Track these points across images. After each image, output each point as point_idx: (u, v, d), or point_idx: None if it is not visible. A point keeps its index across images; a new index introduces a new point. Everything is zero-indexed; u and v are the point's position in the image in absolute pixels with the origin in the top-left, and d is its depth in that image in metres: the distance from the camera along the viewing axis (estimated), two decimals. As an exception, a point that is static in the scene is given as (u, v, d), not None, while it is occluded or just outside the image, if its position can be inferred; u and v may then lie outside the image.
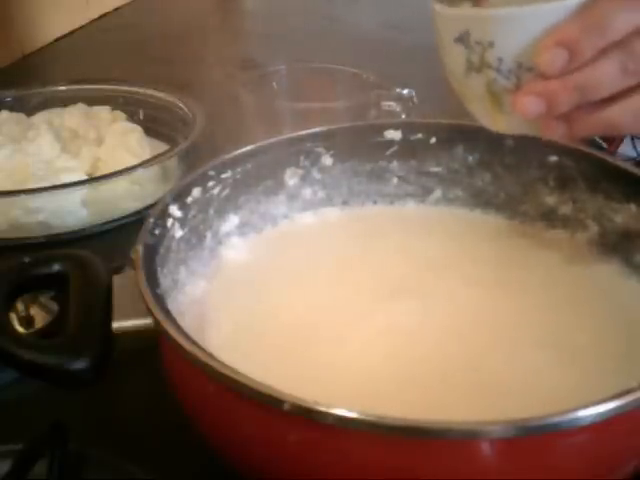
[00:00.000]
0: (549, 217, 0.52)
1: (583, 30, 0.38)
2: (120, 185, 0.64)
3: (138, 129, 0.73)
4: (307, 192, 0.54)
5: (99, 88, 0.82)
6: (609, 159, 0.48)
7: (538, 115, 0.40)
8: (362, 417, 0.30)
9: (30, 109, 0.79)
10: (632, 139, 0.65)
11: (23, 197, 0.62)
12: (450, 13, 0.42)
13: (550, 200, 0.51)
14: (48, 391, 0.40)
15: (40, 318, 0.49)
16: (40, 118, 0.76)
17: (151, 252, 0.41)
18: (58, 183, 0.64)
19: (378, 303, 0.46)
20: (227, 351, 0.36)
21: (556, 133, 0.41)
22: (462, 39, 0.41)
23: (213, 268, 0.49)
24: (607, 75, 0.38)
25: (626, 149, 0.65)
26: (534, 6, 0.39)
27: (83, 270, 0.41)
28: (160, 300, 0.37)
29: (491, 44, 0.40)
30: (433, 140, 0.53)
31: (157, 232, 0.42)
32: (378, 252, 0.50)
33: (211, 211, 0.49)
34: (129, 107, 0.79)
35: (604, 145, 0.65)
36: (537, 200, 0.52)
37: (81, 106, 0.78)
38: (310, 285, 0.48)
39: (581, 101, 0.39)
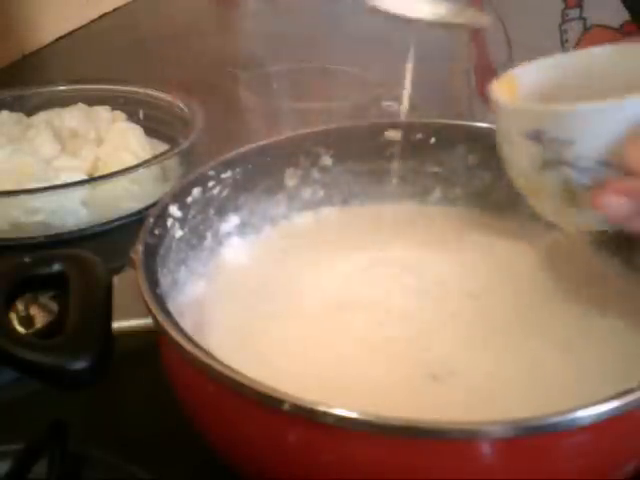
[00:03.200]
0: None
1: None
2: (120, 185, 0.64)
3: (138, 129, 0.73)
4: (307, 192, 0.54)
5: (99, 88, 0.82)
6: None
7: (624, 213, 0.37)
8: (362, 417, 0.30)
9: (30, 109, 0.79)
10: None
11: (23, 197, 0.62)
12: (522, 108, 0.39)
13: (550, 200, 0.51)
14: (48, 391, 0.40)
15: (40, 318, 0.49)
16: (40, 118, 0.76)
17: (151, 252, 0.41)
18: (58, 183, 0.64)
19: (378, 302, 0.46)
20: (227, 351, 0.36)
21: (638, 228, 0.38)
22: (536, 136, 0.38)
23: (213, 268, 0.49)
24: None
25: None
26: (617, 100, 0.36)
27: (83, 270, 0.41)
28: (160, 300, 0.37)
29: (570, 142, 0.37)
30: (433, 140, 0.53)
31: (157, 232, 0.42)
32: (378, 252, 0.50)
33: (211, 211, 0.49)
34: (129, 107, 0.79)
35: None
36: (537, 200, 0.52)
37: (81, 106, 0.78)
38: (310, 285, 0.48)
39: None
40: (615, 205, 0.37)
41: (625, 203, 0.37)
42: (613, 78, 0.41)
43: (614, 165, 0.37)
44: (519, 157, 0.41)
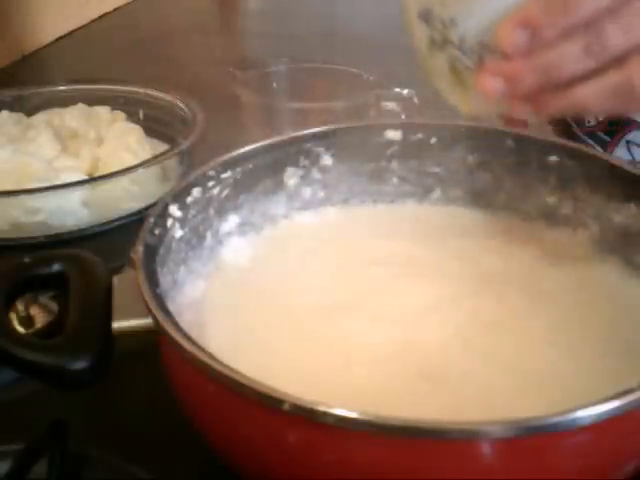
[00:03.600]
0: (549, 217, 0.52)
1: (547, 10, 0.37)
2: (120, 185, 0.64)
3: (138, 129, 0.73)
4: (307, 192, 0.54)
5: (99, 88, 0.82)
6: (609, 159, 0.48)
7: (499, 94, 0.39)
8: (362, 417, 0.30)
9: (30, 109, 0.79)
10: (627, 143, 0.65)
11: (23, 197, 0.62)
12: None
13: (550, 200, 0.51)
14: (48, 391, 0.40)
15: (40, 318, 0.49)
16: (40, 118, 0.76)
17: (151, 252, 0.41)
18: (58, 183, 0.64)
19: (378, 303, 0.46)
20: (227, 351, 0.36)
21: (522, 113, 0.41)
22: (425, 16, 0.40)
23: (213, 268, 0.49)
24: (570, 56, 0.37)
25: (621, 153, 0.65)
26: None
27: (83, 270, 0.41)
28: (160, 300, 0.37)
29: (453, 22, 0.39)
30: (433, 140, 0.53)
31: (157, 232, 0.42)
32: (378, 252, 0.50)
33: (211, 211, 0.49)
34: (129, 107, 0.79)
35: (600, 150, 0.65)
36: (537, 200, 0.52)
37: (81, 106, 0.78)
38: (309, 285, 0.48)
39: (544, 81, 0.39)
40: (491, 86, 0.39)
41: (500, 84, 0.39)
42: None
43: (493, 47, 0.39)
44: (416, 38, 0.43)
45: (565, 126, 0.67)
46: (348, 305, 0.46)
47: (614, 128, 0.64)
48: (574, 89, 0.39)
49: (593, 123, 0.64)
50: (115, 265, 0.42)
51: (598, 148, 0.65)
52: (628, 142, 0.65)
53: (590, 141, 0.66)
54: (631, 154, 0.65)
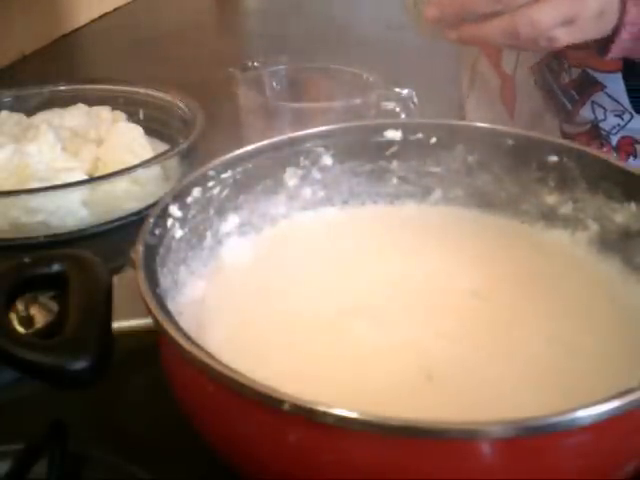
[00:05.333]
0: (549, 217, 0.52)
1: None
2: (120, 185, 0.64)
3: (138, 129, 0.73)
4: (307, 192, 0.54)
5: (99, 88, 0.82)
6: (609, 159, 0.48)
7: (436, 21, 0.54)
8: (362, 417, 0.30)
9: (30, 109, 0.79)
10: (592, 103, 0.69)
11: (23, 197, 0.62)
12: None
13: (550, 200, 0.51)
14: (48, 391, 0.40)
15: (40, 318, 0.49)
16: (40, 118, 0.76)
17: (151, 252, 0.41)
18: (58, 183, 0.64)
19: (378, 303, 0.46)
20: (227, 351, 0.36)
21: (450, 37, 0.55)
22: None
23: (213, 268, 0.49)
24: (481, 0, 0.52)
25: (587, 112, 0.70)
26: None
27: (83, 270, 0.41)
28: (160, 300, 0.37)
29: None
30: (433, 140, 0.53)
31: (157, 232, 0.42)
32: (378, 252, 0.50)
33: (211, 211, 0.49)
34: (129, 107, 0.79)
35: (569, 106, 0.70)
36: (537, 200, 0.52)
37: (81, 106, 0.78)
38: (309, 285, 0.48)
39: (464, 16, 0.53)
40: (432, 16, 0.54)
41: (435, 14, 0.54)
42: None
43: None
44: None
45: (544, 80, 0.72)
46: (348, 305, 0.46)
47: (583, 88, 0.68)
48: (482, 24, 0.53)
49: (567, 80, 0.70)
50: (115, 265, 0.42)
51: (568, 104, 0.70)
52: (593, 102, 0.69)
53: (562, 96, 0.70)
54: (594, 114, 0.69)
